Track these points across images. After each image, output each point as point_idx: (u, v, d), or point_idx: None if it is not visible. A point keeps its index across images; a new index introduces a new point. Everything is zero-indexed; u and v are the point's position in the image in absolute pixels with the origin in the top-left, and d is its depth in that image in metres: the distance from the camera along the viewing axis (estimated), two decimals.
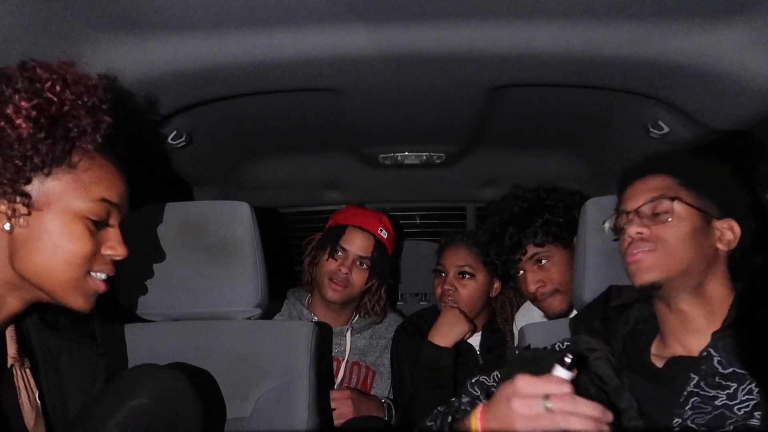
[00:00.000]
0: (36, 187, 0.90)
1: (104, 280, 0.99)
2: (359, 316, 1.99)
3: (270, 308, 1.57)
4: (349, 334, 1.94)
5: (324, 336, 1.78)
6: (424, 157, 2.12)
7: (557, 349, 1.21)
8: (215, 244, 1.43)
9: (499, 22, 1.18)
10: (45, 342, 1.04)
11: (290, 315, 1.95)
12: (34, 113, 0.87)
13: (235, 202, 1.46)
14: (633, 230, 1.12)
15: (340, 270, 1.85)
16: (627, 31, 1.20)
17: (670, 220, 1.10)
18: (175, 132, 1.63)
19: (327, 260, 1.86)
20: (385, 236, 1.91)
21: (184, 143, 1.69)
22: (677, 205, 1.11)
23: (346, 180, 2.36)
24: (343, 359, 1.91)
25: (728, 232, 1.11)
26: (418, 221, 2.68)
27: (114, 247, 0.99)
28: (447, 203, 2.64)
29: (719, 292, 1.09)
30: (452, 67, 1.35)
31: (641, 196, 1.15)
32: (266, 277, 1.46)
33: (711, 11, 1.12)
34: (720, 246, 1.11)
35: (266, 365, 1.45)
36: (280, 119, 1.82)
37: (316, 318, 1.93)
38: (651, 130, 1.66)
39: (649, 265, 1.09)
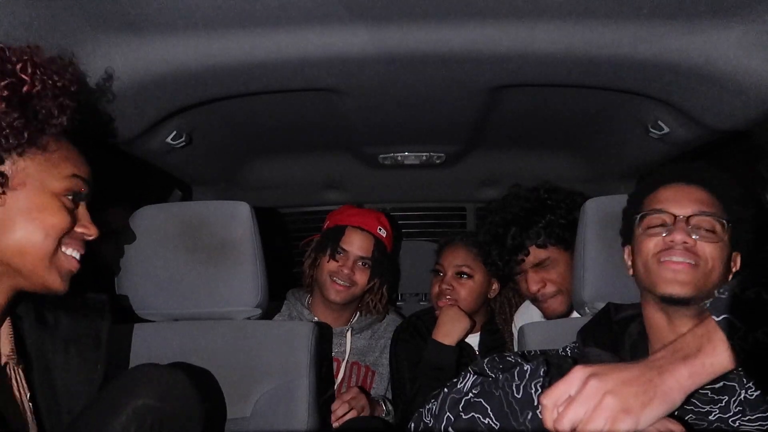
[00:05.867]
0: (9, 167, 0.91)
1: (77, 260, 1.00)
2: (360, 315, 1.99)
3: (270, 309, 1.57)
4: (349, 334, 1.93)
5: (324, 336, 1.78)
6: (424, 157, 2.12)
7: (567, 353, 1.21)
8: (215, 244, 1.43)
9: (499, 22, 1.18)
10: (40, 343, 1.04)
11: (290, 315, 1.95)
12: (6, 93, 0.88)
13: (235, 202, 1.46)
14: (680, 237, 1.08)
15: (342, 270, 1.84)
16: (627, 31, 1.20)
17: (716, 240, 1.09)
18: (174, 132, 1.63)
19: (328, 262, 1.86)
20: (384, 235, 1.91)
21: (183, 143, 1.69)
22: (725, 229, 1.10)
23: (346, 180, 2.36)
24: (343, 359, 1.91)
25: (734, 264, 1.13)
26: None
27: (86, 226, 1.01)
28: (447, 203, 2.64)
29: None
30: (452, 67, 1.35)
31: (691, 204, 1.12)
32: (266, 277, 1.45)
33: (711, 11, 1.12)
34: (730, 276, 1.12)
35: (266, 365, 1.45)
36: (280, 119, 1.82)
37: (316, 318, 1.93)
38: (651, 130, 1.66)
39: (688, 279, 1.07)
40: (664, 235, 1.11)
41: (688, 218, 1.10)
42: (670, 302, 1.10)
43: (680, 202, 1.13)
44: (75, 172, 0.98)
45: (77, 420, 1.01)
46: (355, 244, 1.86)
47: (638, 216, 1.18)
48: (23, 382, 1.00)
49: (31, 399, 1.00)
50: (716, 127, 1.47)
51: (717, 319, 0.89)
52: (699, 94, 1.36)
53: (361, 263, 1.87)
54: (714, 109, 1.40)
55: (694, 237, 1.09)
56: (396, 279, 2.36)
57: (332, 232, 1.90)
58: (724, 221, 1.10)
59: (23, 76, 0.90)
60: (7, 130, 0.88)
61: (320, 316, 1.93)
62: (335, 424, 1.70)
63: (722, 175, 1.17)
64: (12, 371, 0.98)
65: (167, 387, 1.01)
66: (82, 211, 1.01)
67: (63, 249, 0.98)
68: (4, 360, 0.97)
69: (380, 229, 1.90)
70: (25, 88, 0.90)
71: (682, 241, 1.08)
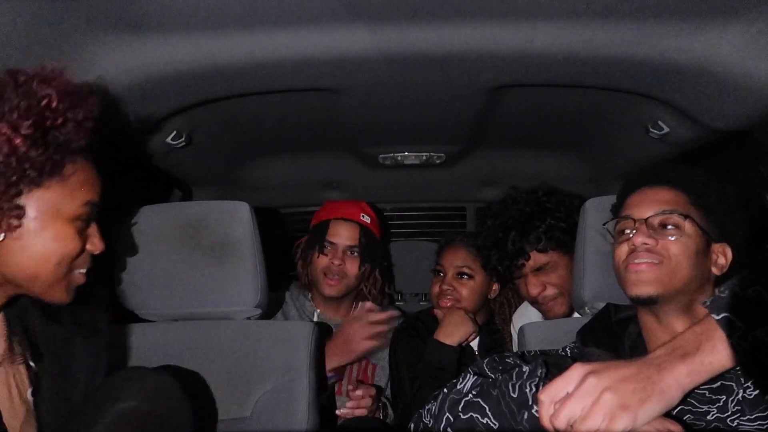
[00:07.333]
0: (26, 199, 0.91)
1: (84, 274, 1.02)
2: (359, 306, 2.00)
3: (271, 301, 1.57)
4: None
5: (324, 336, 1.78)
6: (424, 157, 2.12)
7: (567, 353, 1.21)
8: (215, 244, 1.43)
9: (499, 22, 1.18)
10: (50, 335, 1.04)
11: (294, 306, 1.97)
12: (30, 131, 0.87)
13: (235, 202, 1.46)
14: (640, 240, 1.10)
15: (333, 263, 1.88)
16: (627, 31, 1.20)
17: (679, 237, 1.10)
18: (174, 132, 1.63)
19: (318, 257, 1.89)
20: (368, 221, 1.94)
21: (183, 143, 1.69)
22: (688, 224, 1.10)
23: (346, 180, 2.36)
24: None
25: (722, 256, 1.13)
26: None
27: (94, 243, 1.02)
28: (447, 203, 2.64)
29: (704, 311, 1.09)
30: (452, 67, 1.35)
31: (652, 206, 1.14)
32: (266, 277, 1.45)
33: (711, 11, 1.12)
34: (714, 270, 1.12)
35: (266, 365, 1.45)
36: (280, 119, 1.82)
37: (318, 310, 1.95)
38: (651, 130, 1.66)
39: (651, 278, 1.09)
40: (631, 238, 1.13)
41: (646, 220, 1.12)
42: (639, 303, 1.12)
43: (641, 205, 1.15)
44: (89, 199, 0.98)
45: (64, 423, 1.00)
46: (342, 235, 1.90)
47: (607, 225, 1.22)
48: (23, 376, 0.99)
49: (33, 394, 0.99)
50: (716, 127, 1.47)
51: (717, 317, 0.89)
52: (699, 94, 1.36)
53: (349, 252, 1.90)
54: (714, 109, 1.40)
55: (658, 238, 1.10)
56: (389, 265, 2.35)
57: (317, 228, 1.94)
58: (684, 215, 1.11)
59: (47, 112, 0.89)
60: (27, 166, 0.88)
61: (320, 308, 1.96)
62: (348, 407, 1.71)
63: (691, 171, 1.19)
64: (7, 369, 0.97)
65: (153, 389, 1.01)
66: (92, 227, 1.01)
67: (73, 270, 0.99)
68: None
69: (364, 216, 1.94)
70: (48, 123, 0.90)
71: (642, 243, 1.10)
